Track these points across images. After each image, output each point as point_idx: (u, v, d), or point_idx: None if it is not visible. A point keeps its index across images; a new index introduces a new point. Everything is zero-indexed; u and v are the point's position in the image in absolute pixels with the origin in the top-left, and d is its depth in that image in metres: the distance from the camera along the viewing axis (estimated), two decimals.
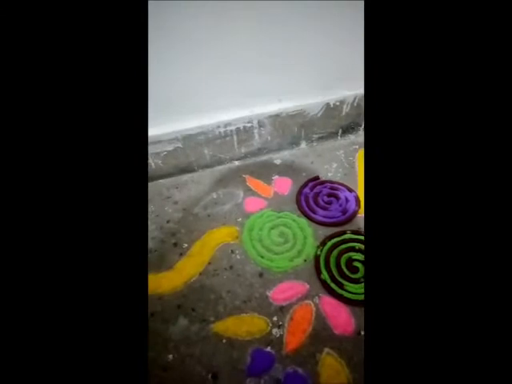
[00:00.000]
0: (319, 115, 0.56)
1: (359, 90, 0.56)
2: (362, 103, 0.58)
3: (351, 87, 0.55)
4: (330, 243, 0.45)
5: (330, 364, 0.35)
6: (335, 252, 0.44)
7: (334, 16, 0.46)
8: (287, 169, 0.57)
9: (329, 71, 0.52)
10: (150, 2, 0.37)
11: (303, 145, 0.61)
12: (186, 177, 0.56)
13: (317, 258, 0.44)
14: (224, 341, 0.37)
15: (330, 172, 0.56)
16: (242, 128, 0.54)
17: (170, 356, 0.36)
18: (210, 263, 0.44)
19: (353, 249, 0.44)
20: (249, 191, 0.54)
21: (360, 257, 0.43)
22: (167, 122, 0.50)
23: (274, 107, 0.53)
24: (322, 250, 0.45)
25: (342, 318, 0.38)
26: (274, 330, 0.37)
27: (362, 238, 0.45)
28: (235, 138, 0.55)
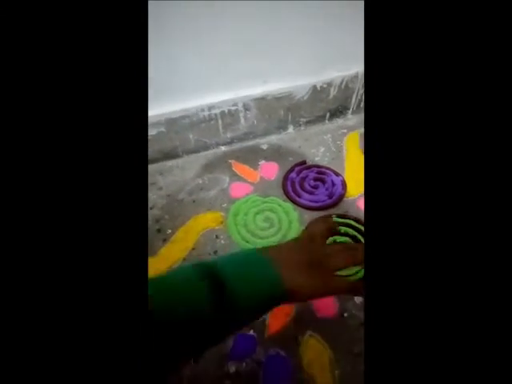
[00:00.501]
0: (306, 98, 0.55)
1: (347, 71, 0.54)
2: (350, 85, 0.56)
3: (339, 69, 0.54)
4: None
5: (313, 346, 0.35)
6: None
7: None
8: (274, 153, 0.56)
9: (316, 53, 0.51)
10: None
11: (290, 129, 0.60)
12: (170, 162, 0.55)
13: None
14: None
15: (317, 156, 0.55)
16: (226, 111, 0.52)
17: None
18: (193, 249, 0.44)
19: (338, 233, 0.44)
20: (235, 176, 0.53)
21: (345, 240, 0.43)
22: (150, 106, 0.48)
23: (259, 90, 0.52)
24: None
25: (325, 301, 0.38)
26: None
27: (348, 221, 0.45)
28: (220, 121, 0.53)
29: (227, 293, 0.23)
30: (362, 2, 0.48)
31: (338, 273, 0.28)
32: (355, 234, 0.44)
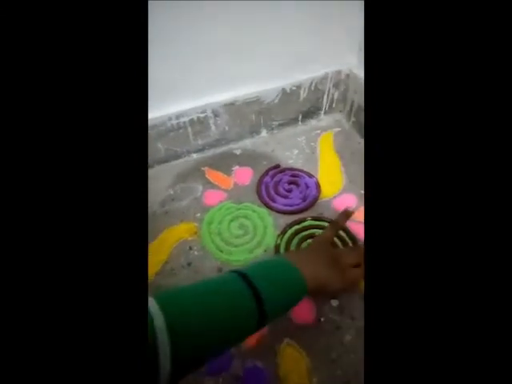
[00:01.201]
0: (276, 101, 0.55)
1: (315, 73, 0.54)
2: (320, 87, 0.56)
3: (306, 71, 0.54)
4: (290, 231, 0.44)
5: (290, 354, 0.34)
6: (295, 240, 0.43)
7: (286, 2, 0.44)
8: (248, 158, 0.56)
9: (282, 56, 0.50)
10: None
11: (263, 133, 0.59)
12: None
13: (277, 247, 0.43)
14: None
15: (290, 159, 0.55)
16: (195, 119, 0.52)
17: None
18: (167, 262, 0.42)
19: (313, 236, 0.43)
20: (208, 184, 0.52)
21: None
22: None
23: (227, 95, 0.51)
24: (282, 239, 0.44)
25: (302, 307, 0.37)
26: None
27: (323, 223, 0.45)
28: (190, 129, 0.52)
29: (265, 303, 0.26)
30: (328, 5, 0.48)
31: None
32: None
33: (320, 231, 0.44)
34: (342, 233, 0.43)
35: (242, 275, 0.27)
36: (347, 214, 0.40)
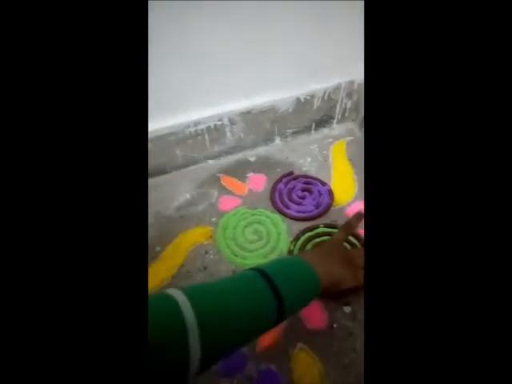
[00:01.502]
0: (290, 110, 0.56)
1: (328, 83, 0.56)
2: (333, 96, 0.57)
3: (320, 81, 0.55)
4: (303, 238, 0.45)
5: (303, 359, 0.35)
6: (309, 246, 0.44)
7: (298, 11, 0.45)
8: (262, 165, 0.57)
9: (296, 66, 0.52)
10: None
11: (277, 140, 0.60)
12: (158, 179, 0.55)
13: (290, 252, 0.44)
14: None
15: (304, 166, 0.56)
16: (212, 126, 0.53)
17: None
18: (183, 265, 0.44)
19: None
20: (223, 190, 0.53)
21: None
22: None
23: (244, 104, 0.53)
24: (295, 245, 0.45)
25: (315, 313, 0.38)
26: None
27: (335, 230, 0.46)
28: (207, 136, 0.54)
29: (284, 303, 0.27)
30: (340, 16, 0.49)
31: None
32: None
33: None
34: (351, 238, 0.44)
35: (264, 274, 0.28)
36: (360, 217, 0.41)
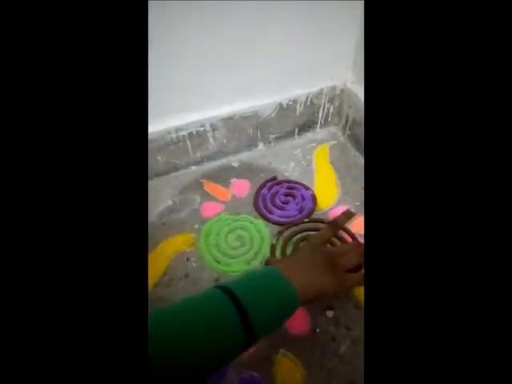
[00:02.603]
0: (273, 116, 0.56)
1: (310, 88, 0.56)
2: (315, 101, 0.58)
3: (302, 86, 0.55)
4: (287, 232, 0.46)
5: (286, 364, 0.35)
6: (293, 239, 0.45)
7: (281, 17, 0.46)
8: (245, 171, 0.57)
9: (279, 71, 0.52)
10: None
11: (261, 146, 0.61)
12: None
13: (272, 247, 0.44)
14: None
15: (287, 171, 0.56)
16: (194, 132, 0.53)
17: None
18: (165, 274, 0.43)
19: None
20: (206, 196, 0.53)
21: None
22: None
23: (226, 109, 0.53)
24: (277, 240, 0.45)
25: (298, 318, 0.38)
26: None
27: (321, 225, 0.46)
28: (188, 142, 0.54)
29: (254, 329, 0.26)
30: (322, 22, 0.50)
31: None
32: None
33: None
34: (342, 233, 0.44)
35: (231, 295, 0.26)
36: (348, 215, 0.40)
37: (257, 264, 0.44)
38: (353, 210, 0.42)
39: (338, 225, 0.40)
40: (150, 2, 0.37)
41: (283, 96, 0.55)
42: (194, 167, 0.57)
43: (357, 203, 0.50)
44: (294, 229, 0.46)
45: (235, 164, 0.58)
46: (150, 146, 0.51)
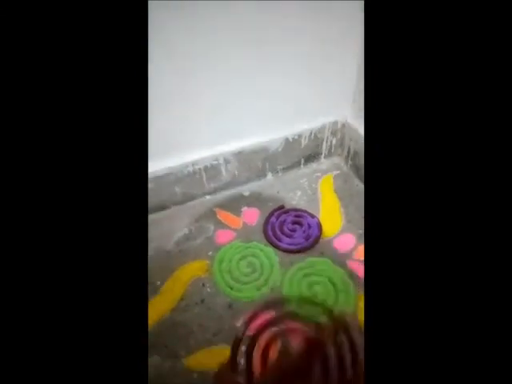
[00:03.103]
0: (280, 149, 0.61)
1: (314, 124, 0.61)
2: (319, 135, 0.63)
3: (306, 121, 0.60)
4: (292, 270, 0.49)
5: None
6: (298, 276, 0.47)
7: (286, 54, 0.51)
8: (255, 200, 0.61)
9: (284, 109, 0.58)
10: None
11: (269, 176, 0.65)
12: (159, 214, 0.59)
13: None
14: (195, 375, 0.39)
15: (294, 200, 0.60)
16: (209, 165, 0.58)
17: None
18: (182, 299, 0.46)
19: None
20: (219, 224, 0.57)
21: (320, 280, 0.47)
22: None
23: (237, 145, 0.58)
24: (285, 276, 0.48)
25: None
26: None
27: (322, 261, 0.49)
28: (204, 174, 0.59)
29: None
30: (325, 60, 0.54)
31: None
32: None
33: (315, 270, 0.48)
34: (343, 337, 0.32)
35: None
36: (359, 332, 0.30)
37: (267, 291, 0.47)
38: (352, 245, 0.43)
39: (341, 325, 0.28)
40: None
41: (289, 131, 0.60)
42: (207, 197, 0.62)
43: (360, 231, 0.54)
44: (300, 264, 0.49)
45: (246, 193, 0.62)
46: (169, 178, 0.56)
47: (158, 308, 0.45)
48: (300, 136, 0.61)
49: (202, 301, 0.46)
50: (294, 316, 0.36)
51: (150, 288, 0.48)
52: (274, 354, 0.36)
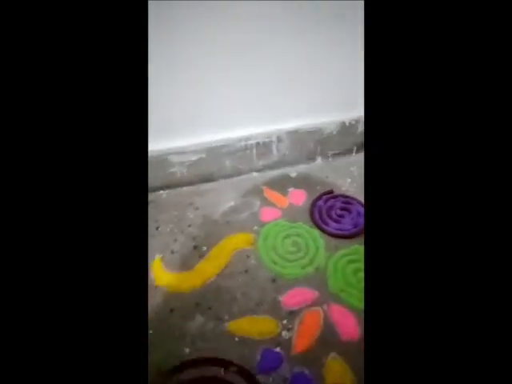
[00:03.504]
0: (335, 133, 0.60)
1: None
2: None
3: None
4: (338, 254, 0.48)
5: (335, 368, 0.37)
6: (343, 262, 0.47)
7: (349, 39, 0.49)
8: (302, 182, 0.60)
9: (345, 91, 0.56)
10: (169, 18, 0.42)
11: (319, 160, 0.64)
12: (207, 185, 0.60)
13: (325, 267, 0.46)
14: (237, 339, 0.39)
15: (343, 186, 0.59)
16: (261, 143, 0.58)
17: (187, 349, 0.39)
18: (226, 266, 0.47)
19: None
20: (265, 201, 0.57)
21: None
22: (193, 135, 0.55)
23: (292, 124, 0.57)
24: (329, 260, 0.47)
25: (349, 325, 0.40)
26: (284, 333, 0.40)
27: None
28: (254, 151, 0.59)
29: None
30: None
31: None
32: None
33: None
34: None
35: None
36: None
37: (311, 270, 0.46)
38: None
39: None
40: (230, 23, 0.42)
41: (348, 115, 0.58)
42: (255, 173, 0.62)
43: None
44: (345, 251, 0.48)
45: (293, 174, 0.62)
46: (221, 150, 0.57)
47: (203, 272, 0.46)
48: (358, 121, 0.59)
49: (246, 271, 0.47)
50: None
51: (196, 252, 0.49)
52: None
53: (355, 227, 0.51)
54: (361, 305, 0.42)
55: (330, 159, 0.64)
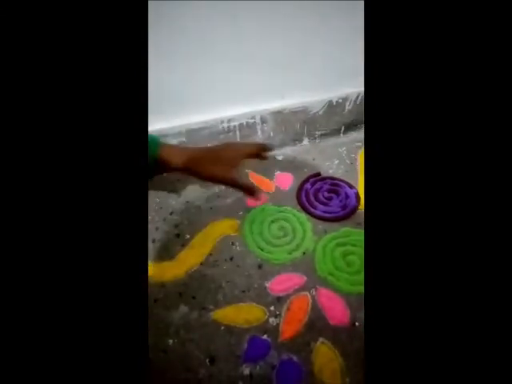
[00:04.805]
0: (321, 112, 0.57)
1: (362, 87, 0.56)
2: None
3: (354, 85, 0.56)
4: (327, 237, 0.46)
5: (324, 352, 0.36)
6: (332, 245, 0.45)
7: (336, 15, 0.46)
8: (289, 165, 0.58)
9: (331, 69, 0.53)
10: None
11: (305, 141, 0.62)
12: None
13: (313, 251, 0.45)
14: (222, 328, 0.38)
15: (331, 168, 0.57)
16: (244, 124, 0.55)
17: (170, 340, 0.37)
18: (211, 254, 0.45)
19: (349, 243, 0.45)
20: None
21: (355, 250, 0.44)
22: (172, 117, 0.51)
23: (276, 104, 0.54)
24: (318, 244, 0.46)
25: (338, 310, 0.39)
26: (271, 319, 0.38)
27: (360, 231, 0.46)
28: (238, 133, 0.56)
29: None
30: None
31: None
32: None
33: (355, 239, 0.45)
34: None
35: None
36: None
37: (298, 254, 0.45)
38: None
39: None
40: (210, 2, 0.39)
41: (334, 93, 0.56)
42: None
43: None
44: (334, 234, 0.46)
45: (279, 157, 0.60)
46: (202, 132, 0.54)
47: (186, 260, 0.44)
48: (345, 100, 0.57)
49: (231, 258, 0.45)
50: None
51: (178, 241, 0.47)
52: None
53: (343, 209, 0.50)
54: (350, 288, 0.41)
55: (317, 140, 0.62)
